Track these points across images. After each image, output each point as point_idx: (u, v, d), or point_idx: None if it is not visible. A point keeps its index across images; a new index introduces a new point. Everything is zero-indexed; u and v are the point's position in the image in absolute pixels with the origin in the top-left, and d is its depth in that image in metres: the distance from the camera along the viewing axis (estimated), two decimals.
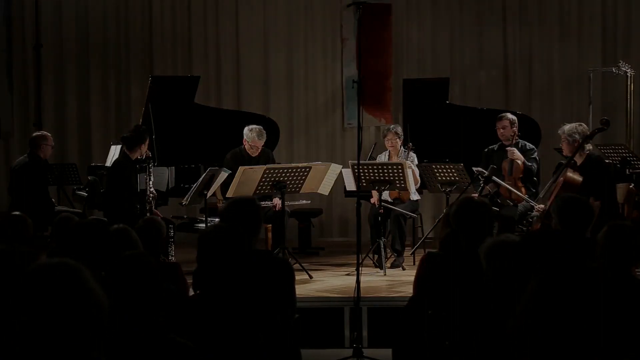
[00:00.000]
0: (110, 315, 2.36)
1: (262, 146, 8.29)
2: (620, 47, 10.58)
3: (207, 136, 8.94)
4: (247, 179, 7.46)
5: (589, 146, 7.40)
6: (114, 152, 8.79)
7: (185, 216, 8.83)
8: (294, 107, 10.97)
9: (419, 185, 8.33)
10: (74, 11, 10.97)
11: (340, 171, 8.20)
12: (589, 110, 9.52)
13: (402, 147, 8.37)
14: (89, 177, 8.79)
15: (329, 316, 6.49)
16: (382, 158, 8.45)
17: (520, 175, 7.87)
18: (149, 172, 7.53)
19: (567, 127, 7.36)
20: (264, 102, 10.84)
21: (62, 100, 11.01)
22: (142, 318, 3.12)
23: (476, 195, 7.29)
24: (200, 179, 7.52)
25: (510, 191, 7.73)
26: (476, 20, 10.76)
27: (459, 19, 10.78)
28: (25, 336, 2.17)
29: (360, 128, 6.26)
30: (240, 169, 7.48)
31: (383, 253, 7.79)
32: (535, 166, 7.97)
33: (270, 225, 8.29)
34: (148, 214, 7.30)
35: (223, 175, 7.63)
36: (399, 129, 8.46)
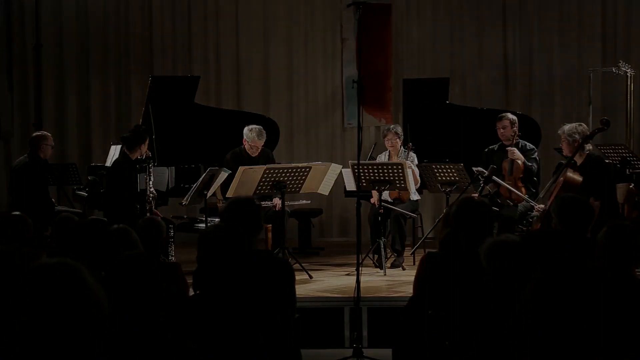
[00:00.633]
0: (110, 315, 2.36)
1: (262, 146, 8.29)
2: (620, 47, 10.58)
3: (207, 136, 8.94)
4: (247, 179, 7.46)
5: (589, 146, 7.40)
6: (114, 152, 8.79)
7: (185, 216, 8.83)
8: (294, 107, 10.97)
9: (419, 185, 8.33)
10: (74, 11, 10.98)
11: (340, 171, 8.20)
12: (589, 110, 9.51)
13: (402, 147, 8.37)
14: (89, 177, 8.79)
15: (329, 316, 6.49)
16: (382, 158, 8.45)
17: (521, 175, 7.87)
18: (149, 172, 7.52)
19: (567, 127, 7.36)
20: (264, 102, 10.84)
21: (62, 100, 11.01)
22: (142, 318, 3.13)
23: (476, 195, 7.29)
24: (200, 179, 7.52)
25: (510, 191, 7.73)
26: (476, 20, 10.76)
27: (459, 19, 10.78)
28: (25, 336, 2.17)
29: (360, 128, 6.26)
30: (240, 169, 7.48)
31: (383, 253, 7.78)
32: (536, 166, 7.97)
33: (270, 225, 8.29)
34: (148, 214, 7.30)
35: (223, 175, 7.63)
36: (399, 129, 8.46)
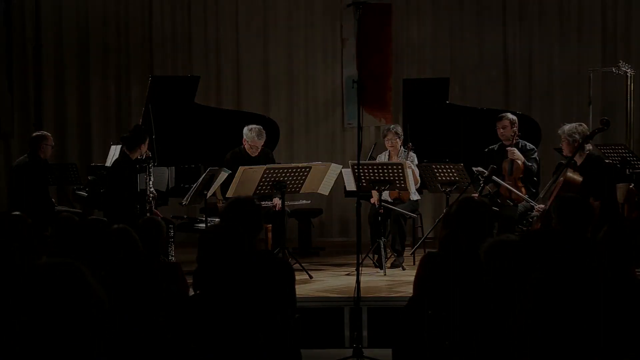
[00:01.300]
0: (111, 315, 2.36)
1: (262, 146, 8.30)
2: (620, 47, 10.58)
3: (207, 136, 8.94)
4: (247, 179, 7.46)
5: (589, 146, 7.40)
6: (114, 152, 8.79)
7: (185, 216, 8.83)
8: (294, 107, 10.97)
9: (419, 185, 8.33)
10: (74, 11, 10.98)
11: (340, 171, 8.20)
12: (589, 110, 9.51)
13: (402, 147, 8.37)
14: (89, 177, 8.79)
15: (329, 316, 6.49)
16: (382, 158, 8.45)
17: (521, 175, 7.88)
18: (149, 172, 7.52)
19: (567, 127, 7.36)
20: (264, 102, 10.84)
21: (62, 100, 11.01)
22: (142, 318, 3.13)
23: (476, 195, 7.29)
24: (200, 179, 7.52)
25: (510, 191, 7.73)
26: (476, 20, 10.76)
27: (459, 19, 10.78)
28: (26, 336, 2.17)
29: (360, 128, 6.26)
30: (240, 169, 7.48)
31: (383, 253, 7.79)
32: (536, 166, 7.97)
33: (270, 225, 8.29)
34: (148, 214, 7.30)
35: (223, 175, 7.63)
36: (399, 129, 8.46)
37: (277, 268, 4.13)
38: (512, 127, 7.98)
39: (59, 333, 2.17)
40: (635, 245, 3.68)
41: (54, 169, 9.32)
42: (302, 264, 7.80)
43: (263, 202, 7.85)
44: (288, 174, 7.59)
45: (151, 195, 7.52)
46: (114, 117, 11.02)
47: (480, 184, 7.68)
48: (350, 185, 8.40)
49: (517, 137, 7.96)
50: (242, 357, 3.39)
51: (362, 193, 7.50)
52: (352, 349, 5.87)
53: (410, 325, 4.03)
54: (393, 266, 8.00)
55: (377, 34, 10.57)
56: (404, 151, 8.33)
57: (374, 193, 8.06)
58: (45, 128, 9.90)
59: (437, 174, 8.11)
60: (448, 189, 8.06)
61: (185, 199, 7.70)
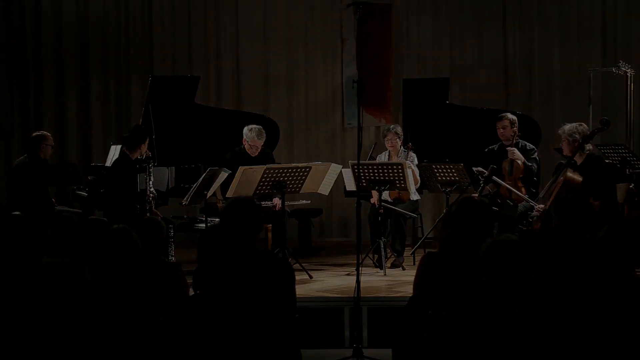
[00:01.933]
0: (111, 315, 2.37)
1: (262, 146, 8.30)
2: (620, 47, 10.57)
3: (207, 136, 8.94)
4: (247, 179, 7.46)
5: (589, 146, 7.40)
6: (114, 152, 8.78)
7: (185, 216, 8.83)
8: (294, 107, 10.97)
9: (419, 185, 8.33)
10: (74, 11, 10.97)
11: (340, 171, 8.20)
12: (589, 110, 9.51)
13: (402, 147, 8.37)
14: (89, 177, 8.79)
15: (329, 316, 6.49)
16: (382, 158, 8.45)
17: (520, 175, 7.88)
18: (149, 172, 7.52)
19: (567, 127, 7.36)
20: (264, 102, 10.84)
21: (62, 100, 11.00)
22: (142, 318, 3.13)
23: (476, 195, 7.29)
24: (200, 179, 7.52)
25: (510, 191, 7.73)
26: (476, 20, 10.76)
27: (459, 19, 10.78)
28: (25, 335, 2.17)
29: (360, 128, 6.26)
30: (240, 169, 7.48)
31: (383, 253, 7.79)
32: (536, 166, 7.98)
33: (270, 225, 8.29)
34: (148, 214, 7.30)
35: (223, 175, 7.63)
36: (399, 129, 8.45)
37: (277, 268, 4.13)
38: (512, 127, 7.98)
39: (58, 332, 2.18)
40: (635, 245, 3.68)
41: (54, 169, 9.32)
42: (302, 264, 7.80)
43: (263, 202, 7.85)
44: (288, 174, 7.59)
45: (151, 195, 7.51)
46: (114, 117, 11.02)
47: (480, 184, 7.68)
48: (350, 185, 8.40)
49: (517, 137, 7.96)
50: (242, 357, 3.39)
51: (362, 193, 7.49)
52: (352, 349, 5.87)
53: (410, 325, 4.03)
54: (393, 266, 8.00)
55: (377, 34, 10.59)
56: (404, 151, 8.33)
57: (374, 193, 8.06)
58: (45, 128, 9.89)
59: (437, 174, 8.11)
60: (448, 189, 8.06)
61: (185, 199, 7.70)
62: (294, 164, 8.09)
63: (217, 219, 7.41)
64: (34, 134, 8.61)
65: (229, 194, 7.47)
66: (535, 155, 8.05)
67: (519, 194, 7.73)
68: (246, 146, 8.25)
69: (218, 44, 10.99)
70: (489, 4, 10.76)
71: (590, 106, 9.54)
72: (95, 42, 10.97)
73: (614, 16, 10.65)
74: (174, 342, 3.30)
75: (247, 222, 4.05)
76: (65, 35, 10.99)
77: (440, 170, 8.09)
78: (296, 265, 7.54)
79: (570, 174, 7.19)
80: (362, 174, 7.68)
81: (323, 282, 7.47)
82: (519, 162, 7.85)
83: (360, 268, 6.07)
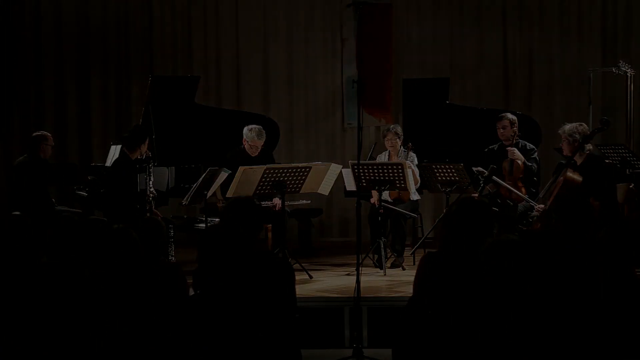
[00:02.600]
0: (111, 315, 2.37)
1: (262, 146, 8.30)
2: (620, 47, 10.58)
3: (207, 136, 8.94)
4: (247, 179, 7.46)
5: (589, 146, 7.41)
6: (114, 152, 8.79)
7: (185, 216, 8.83)
8: (294, 107, 10.97)
9: (419, 185, 8.33)
10: (74, 11, 10.98)
11: (340, 171, 8.20)
12: (589, 110, 9.51)
13: (402, 147, 8.37)
14: (89, 177, 8.79)
15: (329, 316, 6.49)
16: (382, 158, 8.45)
17: (521, 175, 7.88)
18: (149, 172, 7.52)
19: (567, 127, 7.36)
20: (264, 102, 10.84)
21: (62, 100, 11.01)
22: (142, 318, 3.13)
23: (476, 195, 7.29)
24: (200, 179, 7.52)
25: (510, 191, 7.73)
26: (476, 20, 10.76)
27: (459, 19, 10.78)
28: (26, 335, 2.17)
29: (360, 128, 6.26)
30: (240, 169, 7.48)
31: (383, 253, 7.79)
32: (536, 166, 7.98)
33: (270, 225, 8.29)
34: (148, 214, 7.30)
35: (223, 175, 7.63)
36: (399, 129, 8.45)
37: (277, 268, 4.13)
38: (512, 127, 7.98)
39: (58, 332, 2.18)
40: (635, 245, 3.68)
41: (54, 168, 9.33)
42: (302, 264, 7.80)
43: (263, 202, 7.85)
44: (288, 174, 7.59)
45: (151, 195, 7.52)
46: (114, 117, 11.02)
47: (480, 184, 7.68)
48: (350, 185, 8.40)
49: (517, 137, 7.96)
50: (242, 357, 3.39)
51: (362, 193, 7.49)
52: (352, 349, 5.87)
53: (410, 325, 4.03)
54: (393, 266, 8.00)
55: (377, 34, 10.57)
56: (404, 151, 8.33)
57: (374, 193, 8.06)
58: (45, 128, 9.90)
59: (437, 174, 8.11)
60: (448, 189, 8.06)
61: (185, 199, 7.70)
62: (294, 164, 8.09)
63: (217, 219, 7.41)
64: (34, 134, 8.61)
65: (229, 194, 7.47)
66: (535, 155, 8.06)
67: (519, 194, 7.73)
68: (246, 146, 8.26)
69: (218, 44, 10.99)
70: (489, 4, 10.76)
71: (590, 106, 9.54)
72: (95, 42, 10.97)
73: (614, 16, 10.65)
74: (174, 342, 3.30)
75: (247, 222, 4.05)
76: (65, 35, 10.99)
77: (440, 170, 8.09)
78: (296, 265, 7.54)
79: (570, 174, 7.20)
80: (362, 174, 7.68)
81: (323, 282, 7.47)
82: (519, 162, 7.85)
83: (360, 268, 6.07)
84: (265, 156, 8.35)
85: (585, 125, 7.46)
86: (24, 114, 11.02)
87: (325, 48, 10.93)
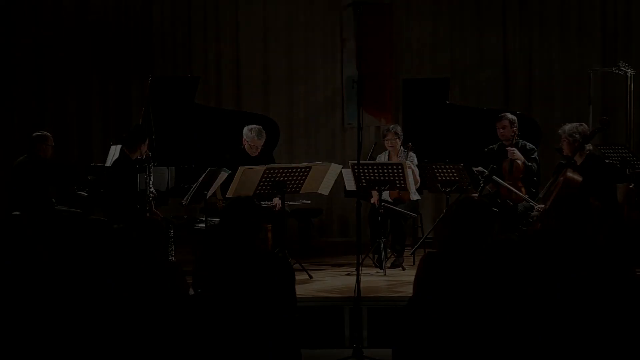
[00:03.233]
0: (111, 314, 2.37)
1: (262, 146, 8.30)
2: (620, 47, 10.58)
3: (207, 136, 8.94)
4: (247, 179, 7.46)
5: (589, 146, 7.41)
6: (114, 152, 8.79)
7: (185, 216, 8.83)
8: (294, 107, 10.97)
9: (418, 185, 8.33)
10: (74, 11, 10.98)
11: (340, 171, 8.20)
12: (589, 110, 9.51)
13: (402, 147, 8.37)
14: (89, 177, 8.79)
15: (329, 316, 6.49)
16: (382, 158, 8.45)
17: (521, 175, 7.88)
18: (149, 172, 7.52)
19: (567, 127, 7.36)
20: (264, 102, 10.84)
21: (62, 100, 11.01)
22: (142, 318, 3.13)
23: (476, 195, 7.29)
24: (200, 179, 7.52)
25: (510, 191, 7.73)
26: (476, 20, 10.76)
27: (459, 19, 10.78)
28: (25, 334, 2.17)
29: (360, 128, 6.26)
30: (240, 169, 7.48)
31: (383, 253, 7.79)
32: (536, 166, 7.98)
33: (270, 225, 8.29)
34: (148, 214, 7.30)
35: (223, 175, 7.63)
36: (399, 129, 8.45)
37: (277, 268, 4.13)
38: (511, 127, 7.98)
39: (58, 332, 2.18)
40: (635, 245, 3.68)
41: (54, 168, 9.32)
42: (302, 264, 7.80)
43: (263, 202, 7.85)
44: (288, 174, 7.59)
45: (151, 195, 7.51)
46: (114, 117, 11.02)
47: (480, 184, 7.68)
48: (350, 185, 8.39)
49: (517, 137, 7.97)
50: (242, 357, 3.39)
51: (362, 193, 7.49)
52: (352, 349, 5.87)
53: (410, 325, 4.04)
54: (393, 266, 8.00)
55: (377, 34, 10.60)
56: (404, 151, 8.32)
57: (374, 193, 8.06)
58: (46, 128, 9.90)
59: (437, 174, 8.11)
60: (448, 189, 8.06)
61: (185, 199, 7.70)
62: (294, 164, 8.09)
63: (217, 219, 7.41)
64: (34, 134, 8.61)
65: (229, 194, 7.47)
66: (535, 155, 8.06)
67: (519, 194, 7.73)
68: (246, 146, 8.26)
69: (218, 44, 10.99)
70: (489, 4, 10.76)
71: (590, 106, 9.54)
72: (96, 42, 10.97)
73: (614, 16, 10.65)
74: (174, 341, 3.30)
75: (247, 222, 4.05)
76: (65, 36, 10.99)
77: (440, 170, 8.09)
78: (296, 265, 7.54)
79: (570, 174, 7.20)
80: (362, 174, 7.68)
81: (323, 282, 7.47)
82: (519, 162, 7.85)
83: (360, 268, 6.07)
84: (265, 156, 8.35)
85: (585, 125, 7.46)
86: (24, 114, 11.02)
87: (325, 48, 10.93)
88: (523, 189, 7.83)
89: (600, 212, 6.69)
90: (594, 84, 9.74)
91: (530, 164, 7.90)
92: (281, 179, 7.55)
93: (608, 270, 3.57)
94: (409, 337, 4.00)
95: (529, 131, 8.38)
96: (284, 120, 10.54)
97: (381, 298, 6.72)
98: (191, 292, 4.04)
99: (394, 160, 8.24)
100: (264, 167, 7.56)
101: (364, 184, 7.76)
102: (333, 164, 8.06)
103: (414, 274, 4.29)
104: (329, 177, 7.96)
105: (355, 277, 6.02)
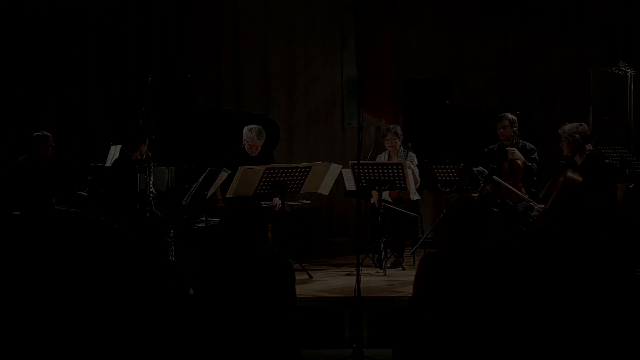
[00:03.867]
0: (111, 314, 2.37)
1: (262, 146, 8.30)
2: (620, 47, 10.57)
3: (206, 136, 8.94)
4: (247, 179, 7.46)
5: (589, 146, 7.41)
6: (114, 152, 8.79)
7: (185, 216, 8.83)
8: (294, 107, 10.97)
9: (418, 185, 8.33)
10: (74, 11, 10.98)
11: (340, 171, 8.20)
12: (589, 110, 9.51)
13: (401, 147, 8.37)
14: (89, 177, 8.79)
15: (329, 316, 6.49)
16: (382, 158, 8.45)
17: (521, 175, 7.88)
18: (149, 172, 7.52)
19: (567, 127, 7.36)
20: (264, 102, 10.84)
21: (62, 100, 11.00)
22: (142, 318, 3.13)
23: (476, 195, 7.30)
24: (200, 179, 7.52)
25: (510, 191, 7.73)
26: (476, 20, 10.76)
27: (459, 19, 10.78)
28: (25, 334, 2.17)
29: (360, 128, 6.26)
30: (240, 169, 7.48)
31: (383, 253, 7.79)
32: (536, 166, 7.98)
33: (270, 225, 8.29)
34: (148, 214, 7.30)
35: (223, 175, 7.63)
36: (399, 129, 8.46)
37: (277, 268, 4.13)
38: (512, 127, 7.99)
39: (58, 332, 2.18)
40: (635, 245, 3.68)
41: (54, 168, 9.32)
42: (302, 264, 7.80)
43: (263, 202, 7.85)
44: (288, 174, 7.59)
45: (151, 195, 7.51)
46: (114, 117, 11.01)
47: (480, 184, 7.68)
48: (350, 185, 8.40)
49: (517, 137, 7.97)
50: (242, 357, 3.39)
51: (362, 193, 7.49)
52: (352, 349, 5.87)
53: (411, 325, 4.04)
54: (393, 266, 8.00)
55: (378, 34, 10.60)
56: (404, 151, 8.33)
57: (374, 193, 8.06)
58: (46, 128, 9.89)
59: (437, 174, 8.11)
60: (448, 189, 8.06)
61: (185, 199, 7.70)
62: (294, 164, 8.09)
63: (217, 219, 7.41)
64: (34, 134, 8.60)
65: (229, 194, 7.47)
66: (536, 155, 8.06)
67: (519, 194, 7.73)
68: (246, 146, 8.26)
69: (218, 44, 10.99)
70: (489, 4, 10.76)
71: (590, 106, 9.54)
72: (96, 42, 10.97)
73: (614, 16, 10.65)
74: (174, 341, 3.30)
75: (247, 222, 4.05)
76: (65, 35, 10.98)
77: (440, 170, 8.09)
78: (296, 265, 7.54)
79: (570, 174, 7.20)
80: (362, 174, 7.68)
81: (323, 282, 7.47)
82: (519, 162, 7.86)
83: (360, 268, 6.07)
84: (265, 156, 8.35)
85: (585, 125, 7.47)
86: (24, 114, 11.02)
87: (325, 48, 10.93)
88: (523, 189, 7.83)
89: (600, 212, 6.69)
90: (594, 84, 9.74)
91: (530, 164, 7.91)
92: (281, 179, 7.55)
93: (608, 270, 3.57)
94: (409, 337, 4.00)
95: (529, 131, 8.38)
96: (284, 120, 10.54)
97: (381, 298, 6.73)
98: (191, 292, 4.04)
99: (394, 160, 8.24)
100: (264, 167, 7.56)
101: (364, 184, 7.76)
102: (333, 164, 8.06)
103: (414, 274, 4.30)
104: (329, 177, 7.96)
105: (355, 277, 6.02)
